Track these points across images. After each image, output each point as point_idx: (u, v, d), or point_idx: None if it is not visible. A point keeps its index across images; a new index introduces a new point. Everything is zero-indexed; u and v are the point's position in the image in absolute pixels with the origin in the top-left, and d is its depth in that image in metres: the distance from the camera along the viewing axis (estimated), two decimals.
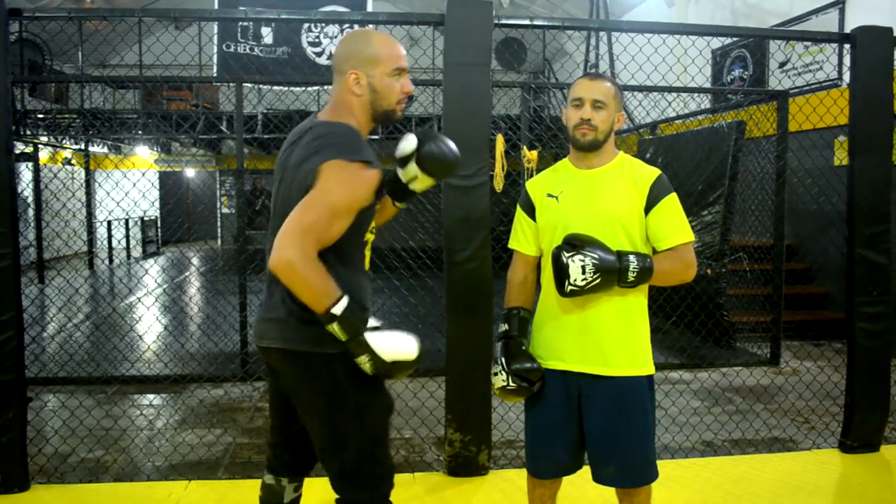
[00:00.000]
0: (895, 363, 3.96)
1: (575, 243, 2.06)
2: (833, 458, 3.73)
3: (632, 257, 2.04)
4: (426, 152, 2.02)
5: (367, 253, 2.05)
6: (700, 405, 4.75)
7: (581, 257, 2.02)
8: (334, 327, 1.77)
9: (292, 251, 1.72)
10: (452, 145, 2.07)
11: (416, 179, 2.08)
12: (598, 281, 2.01)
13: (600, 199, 2.15)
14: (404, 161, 2.07)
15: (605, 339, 2.14)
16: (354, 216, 1.85)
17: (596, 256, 2.01)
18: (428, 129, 2.06)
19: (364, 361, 1.82)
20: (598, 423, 2.17)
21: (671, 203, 2.13)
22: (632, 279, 2.04)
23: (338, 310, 1.76)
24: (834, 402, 4.27)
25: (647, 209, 2.12)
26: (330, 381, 1.91)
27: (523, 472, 3.54)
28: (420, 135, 2.05)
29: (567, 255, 2.03)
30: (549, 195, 2.23)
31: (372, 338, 1.82)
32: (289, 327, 1.92)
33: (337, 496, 2.00)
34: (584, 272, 2.01)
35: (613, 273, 2.02)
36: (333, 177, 1.79)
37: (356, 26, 10.17)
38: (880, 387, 3.70)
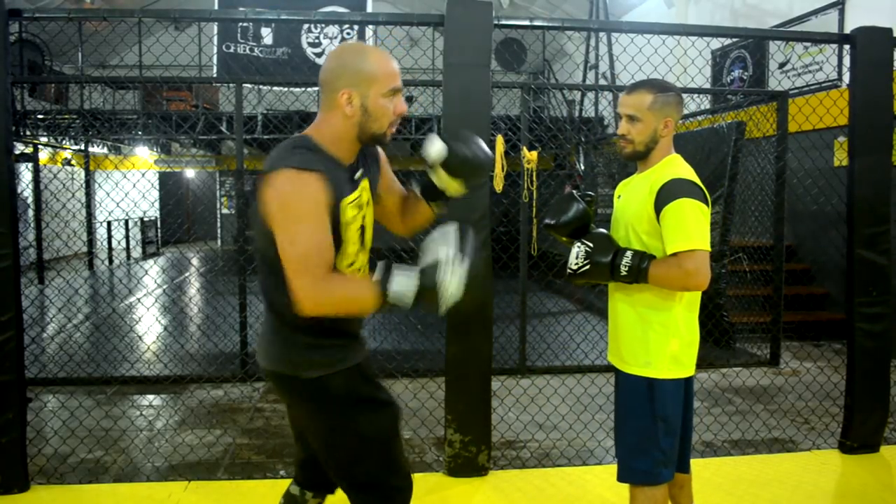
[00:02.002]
0: (895, 364, 3.97)
1: (587, 236, 2.25)
2: (833, 459, 3.73)
3: (628, 255, 2.15)
4: (453, 158, 1.90)
5: (351, 251, 1.92)
6: (700, 406, 4.75)
7: (579, 245, 2.24)
8: (402, 303, 1.70)
9: (303, 294, 1.67)
10: (482, 145, 1.95)
11: (450, 186, 1.97)
12: (587, 268, 2.21)
13: (629, 202, 2.28)
14: (434, 167, 1.95)
15: (621, 334, 2.30)
16: (328, 219, 1.72)
17: (591, 246, 2.21)
18: (459, 131, 1.96)
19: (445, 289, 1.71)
20: (615, 414, 2.39)
21: (676, 208, 2.10)
22: (624, 273, 2.16)
23: (389, 295, 1.69)
24: (834, 403, 4.27)
25: (657, 213, 2.15)
26: (320, 405, 1.87)
27: (523, 473, 3.56)
28: (447, 138, 1.92)
29: (575, 244, 2.25)
30: (618, 196, 2.40)
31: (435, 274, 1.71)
32: (274, 348, 1.88)
33: None
34: (577, 258, 2.23)
35: (604, 265, 2.19)
36: (276, 200, 1.69)
37: (354, 28, 10.18)
38: (880, 387, 3.70)
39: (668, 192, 2.12)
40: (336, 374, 1.85)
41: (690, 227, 2.09)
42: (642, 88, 2.23)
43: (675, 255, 2.10)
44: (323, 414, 1.88)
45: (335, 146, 1.82)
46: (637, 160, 2.30)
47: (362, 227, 1.90)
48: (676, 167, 2.21)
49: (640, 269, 2.13)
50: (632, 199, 2.27)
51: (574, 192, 2.34)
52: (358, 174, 1.89)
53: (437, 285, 1.70)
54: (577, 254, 2.23)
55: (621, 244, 2.25)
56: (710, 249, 2.11)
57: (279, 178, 1.69)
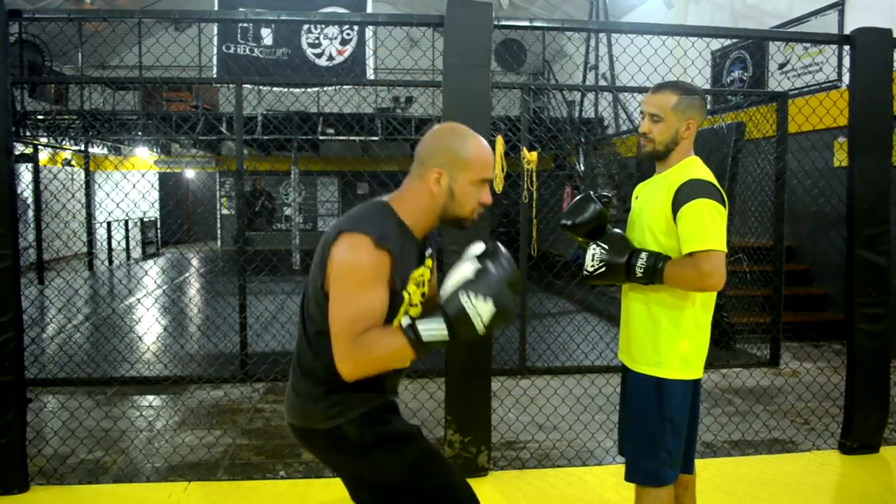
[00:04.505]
0: (895, 364, 3.97)
1: (602, 237, 2.27)
2: (833, 460, 3.73)
3: (643, 256, 2.16)
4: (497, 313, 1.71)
5: None
6: (700, 406, 4.74)
7: (594, 247, 2.25)
8: (437, 343, 1.70)
9: (341, 355, 1.69)
10: (508, 273, 1.73)
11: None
12: (603, 269, 2.22)
13: (647, 202, 2.29)
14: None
15: (632, 333, 2.30)
16: (384, 289, 1.72)
17: (605, 248, 2.22)
18: (486, 255, 1.75)
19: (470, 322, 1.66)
20: (619, 412, 2.41)
21: (693, 209, 2.10)
22: (639, 274, 2.17)
23: (424, 340, 1.68)
24: (834, 404, 4.27)
25: (674, 213, 2.15)
26: (338, 454, 1.87)
27: (523, 474, 3.56)
28: (471, 284, 1.69)
29: (590, 245, 2.27)
30: (636, 197, 2.41)
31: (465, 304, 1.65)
32: (291, 401, 1.91)
33: None
34: (593, 259, 2.25)
35: (619, 266, 2.19)
36: (342, 259, 1.71)
37: (354, 29, 10.17)
38: (880, 388, 3.70)
39: (686, 193, 2.13)
40: (350, 422, 1.83)
41: (707, 228, 2.09)
42: (668, 89, 2.24)
43: (690, 255, 2.10)
44: (345, 461, 1.88)
45: (413, 219, 1.83)
46: (655, 160, 2.30)
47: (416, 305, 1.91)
48: (695, 168, 2.22)
49: (656, 270, 2.13)
50: (649, 199, 2.28)
51: (591, 193, 2.35)
52: (428, 252, 1.92)
53: (465, 310, 1.66)
54: (592, 255, 2.24)
55: (637, 244, 2.26)
56: (725, 250, 2.10)
57: (353, 240, 1.71)
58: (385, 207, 1.82)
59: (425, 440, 1.95)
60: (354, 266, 1.70)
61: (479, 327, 1.67)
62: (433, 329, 1.68)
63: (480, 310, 1.66)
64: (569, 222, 2.32)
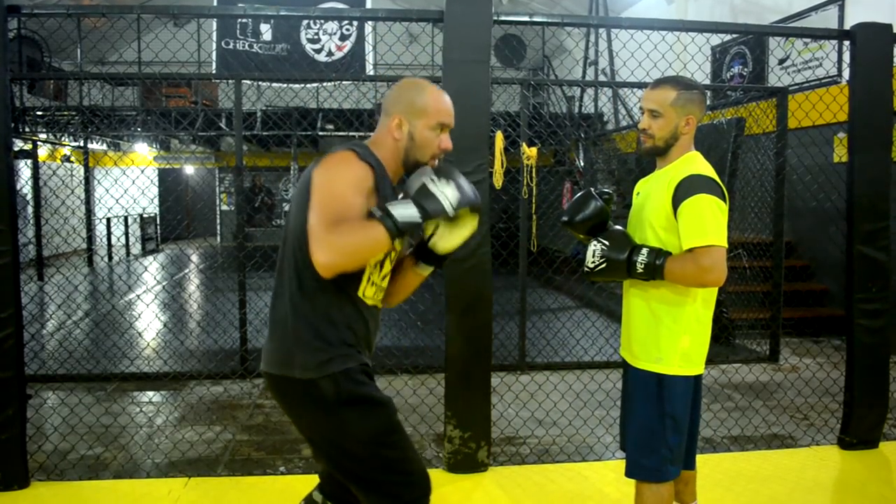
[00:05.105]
0: (894, 360, 3.97)
1: (603, 233, 2.26)
2: (832, 455, 3.73)
3: (644, 252, 2.16)
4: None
5: (372, 288, 1.94)
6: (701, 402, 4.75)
7: (595, 243, 2.24)
8: (411, 224, 1.76)
9: (321, 251, 1.69)
10: (469, 184, 1.87)
11: (438, 233, 1.90)
12: (604, 266, 2.21)
13: (648, 198, 2.28)
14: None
15: (633, 329, 2.31)
16: (364, 201, 1.79)
17: (606, 244, 2.21)
18: (441, 164, 1.97)
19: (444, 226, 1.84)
20: (621, 407, 2.42)
21: (694, 204, 2.10)
22: (640, 271, 2.16)
23: (399, 222, 1.73)
24: (833, 399, 4.27)
25: (675, 209, 2.15)
26: (307, 407, 1.89)
27: (523, 469, 3.56)
28: (433, 174, 1.85)
29: (591, 241, 2.27)
30: (637, 193, 2.41)
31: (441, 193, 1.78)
32: (268, 350, 1.93)
33: None
34: (593, 256, 2.24)
35: (620, 263, 2.18)
36: (325, 170, 1.81)
37: (353, 24, 10.15)
38: (879, 383, 3.70)
39: (687, 188, 2.13)
40: (328, 377, 1.84)
41: (707, 223, 2.08)
42: (666, 84, 2.24)
43: (691, 251, 2.10)
44: (308, 414, 1.90)
45: (385, 161, 1.94)
46: (656, 156, 2.30)
47: (386, 255, 1.95)
48: (696, 164, 2.22)
49: (657, 266, 2.13)
50: (650, 195, 2.28)
51: (592, 189, 2.35)
52: (401, 198, 1.92)
53: (430, 189, 1.78)
54: (593, 252, 2.24)
55: (638, 240, 2.26)
56: (726, 246, 2.10)
57: (336, 155, 1.83)
58: (361, 143, 1.93)
59: (395, 413, 1.96)
60: (337, 173, 1.80)
61: (448, 206, 1.77)
62: (406, 212, 1.75)
63: (444, 189, 1.78)
64: (570, 219, 2.32)
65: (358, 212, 1.76)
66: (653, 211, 2.23)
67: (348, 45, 10.43)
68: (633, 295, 2.31)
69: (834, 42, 6.94)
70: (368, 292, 1.93)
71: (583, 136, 10.71)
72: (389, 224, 1.72)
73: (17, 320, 3.16)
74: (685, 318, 2.20)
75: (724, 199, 2.15)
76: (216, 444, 3.93)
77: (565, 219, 2.34)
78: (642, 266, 2.15)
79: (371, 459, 1.88)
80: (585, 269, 2.27)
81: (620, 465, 2.38)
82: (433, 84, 2.00)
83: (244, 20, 10.19)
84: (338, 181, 1.78)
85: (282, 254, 1.93)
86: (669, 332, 2.20)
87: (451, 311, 3.37)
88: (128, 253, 14.53)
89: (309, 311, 1.86)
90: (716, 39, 9.19)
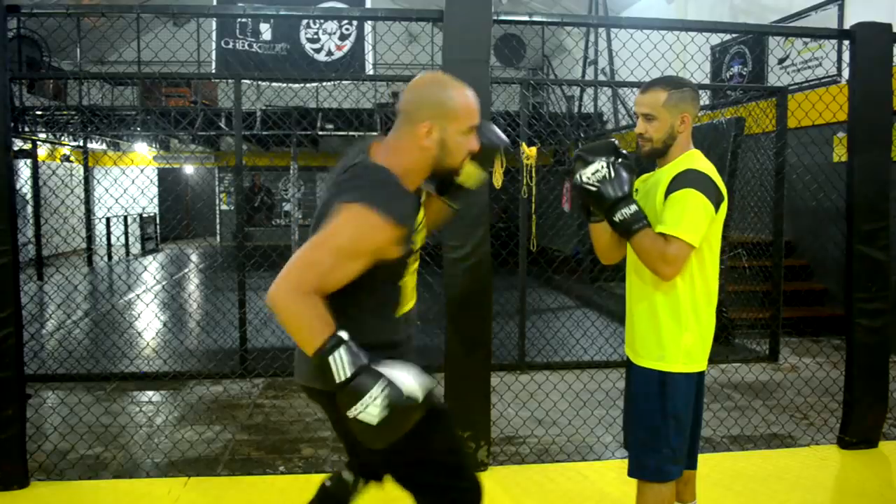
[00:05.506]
0: (894, 359, 3.97)
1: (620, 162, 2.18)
2: (832, 455, 3.73)
3: (633, 207, 2.12)
4: (484, 147, 1.91)
5: (408, 294, 1.95)
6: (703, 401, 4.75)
7: (605, 165, 2.14)
8: (329, 367, 1.61)
9: (284, 284, 1.62)
10: (495, 128, 1.98)
11: (466, 173, 1.94)
12: (594, 189, 2.15)
13: (646, 196, 2.29)
14: None
15: (636, 327, 2.30)
16: (366, 263, 1.71)
17: (612, 175, 2.13)
18: None
19: (361, 408, 1.60)
20: (623, 406, 2.42)
21: (680, 196, 2.11)
22: (617, 219, 2.13)
23: (328, 347, 1.60)
24: (832, 399, 4.27)
25: (665, 200, 2.16)
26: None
27: (523, 469, 3.56)
28: None
29: (603, 161, 2.16)
30: (636, 190, 2.37)
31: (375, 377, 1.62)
32: (304, 362, 1.84)
33: None
34: (594, 174, 2.15)
35: (608, 199, 2.13)
36: (346, 219, 1.67)
37: (353, 24, 10.14)
38: (879, 383, 3.70)
39: (679, 182, 2.15)
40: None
41: (684, 216, 2.10)
42: (656, 86, 2.24)
43: (663, 235, 2.11)
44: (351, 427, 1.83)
45: (408, 177, 1.81)
46: (657, 158, 2.30)
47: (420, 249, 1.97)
48: (694, 161, 2.23)
49: (632, 229, 2.11)
50: (648, 192, 2.29)
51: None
52: (423, 198, 1.93)
53: (358, 398, 1.60)
54: (596, 170, 2.15)
55: None
56: (695, 245, 2.10)
57: (356, 211, 1.66)
58: (388, 174, 1.76)
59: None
60: (350, 233, 1.66)
61: (355, 415, 1.61)
62: (336, 366, 1.60)
63: (370, 413, 1.60)
64: (583, 150, 2.22)
65: (343, 282, 1.68)
66: (649, 208, 2.24)
67: (348, 44, 10.43)
68: (636, 293, 2.31)
69: (834, 41, 6.93)
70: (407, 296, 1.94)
71: (582, 135, 10.70)
72: (326, 348, 1.60)
73: (16, 320, 3.16)
74: (687, 315, 2.20)
75: (718, 197, 2.16)
76: (216, 444, 3.93)
77: (579, 152, 2.25)
78: (621, 216, 2.12)
79: (410, 464, 1.91)
80: (577, 179, 2.18)
81: (620, 464, 2.38)
82: (456, 80, 1.85)
83: (244, 20, 10.20)
84: (346, 242, 1.66)
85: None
86: (671, 330, 2.20)
87: (450, 311, 3.37)
88: (127, 252, 14.53)
89: (346, 319, 1.72)
90: (715, 39, 9.20)
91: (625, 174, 2.16)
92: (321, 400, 1.89)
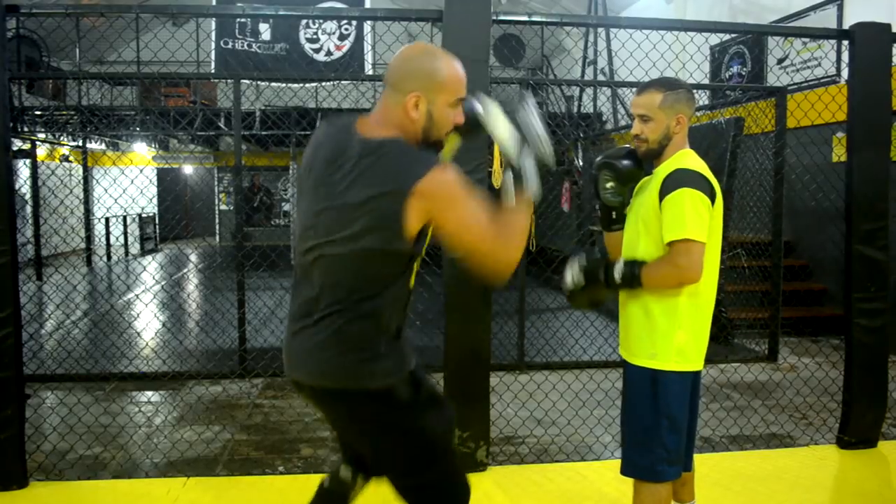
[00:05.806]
0: (893, 359, 3.97)
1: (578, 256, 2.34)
2: (831, 454, 3.74)
3: (619, 262, 2.22)
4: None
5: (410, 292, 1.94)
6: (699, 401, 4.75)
7: (572, 264, 2.31)
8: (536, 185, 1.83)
9: (499, 264, 1.82)
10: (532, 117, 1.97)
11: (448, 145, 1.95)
12: (584, 285, 2.28)
13: (642, 195, 2.32)
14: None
15: (629, 326, 2.32)
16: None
17: (584, 263, 2.29)
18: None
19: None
20: (621, 406, 2.42)
21: (676, 198, 2.13)
22: (619, 282, 2.22)
23: (534, 194, 1.83)
24: (832, 399, 4.27)
25: (660, 204, 2.17)
26: (388, 414, 1.81)
27: (522, 469, 3.56)
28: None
29: (568, 264, 2.34)
30: (635, 191, 2.43)
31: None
32: (330, 364, 1.77)
33: None
34: (573, 278, 2.30)
35: (600, 278, 2.25)
36: (434, 185, 1.68)
37: (352, 24, 10.14)
38: (878, 383, 3.70)
39: (672, 182, 2.16)
40: (402, 381, 1.81)
41: (686, 217, 2.11)
42: (652, 88, 2.26)
43: (669, 249, 2.14)
44: (391, 422, 1.82)
45: None
46: (653, 158, 2.33)
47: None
48: (685, 159, 2.25)
49: (634, 275, 2.18)
50: (644, 191, 2.31)
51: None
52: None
53: (533, 141, 1.84)
54: (572, 274, 2.29)
55: (633, 237, 2.31)
56: (704, 241, 2.12)
57: (435, 176, 1.69)
58: (407, 143, 1.77)
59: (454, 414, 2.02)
60: (452, 189, 1.71)
61: (546, 156, 1.85)
62: (531, 177, 1.82)
63: (541, 135, 1.85)
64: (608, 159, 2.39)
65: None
66: (644, 207, 2.26)
67: (347, 44, 10.43)
68: (628, 293, 2.31)
69: (833, 42, 6.94)
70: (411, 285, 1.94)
71: (581, 135, 10.71)
72: (528, 201, 1.82)
73: (15, 320, 3.16)
74: (679, 314, 2.20)
75: (711, 194, 2.17)
76: (215, 444, 3.92)
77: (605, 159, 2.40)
78: (620, 276, 2.20)
79: (441, 461, 1.94)
80: (567, 291, 2.32)
81: (619, 464, 2.37)
82: (443, 50, 1.85)
83: (243, 20, 10.20)
84: (462, 196, 1.71)
85: (328, 270, 1.78)
86: (664, 327, 2.21)
87: (449, 311, 3.37)
88: (126, 252, 14.52)
89: (371, 320, 1.76)
90: (714, 39, 9.21)
91: (589, 254, 2.32)
92: (324, 399, 1.87)
